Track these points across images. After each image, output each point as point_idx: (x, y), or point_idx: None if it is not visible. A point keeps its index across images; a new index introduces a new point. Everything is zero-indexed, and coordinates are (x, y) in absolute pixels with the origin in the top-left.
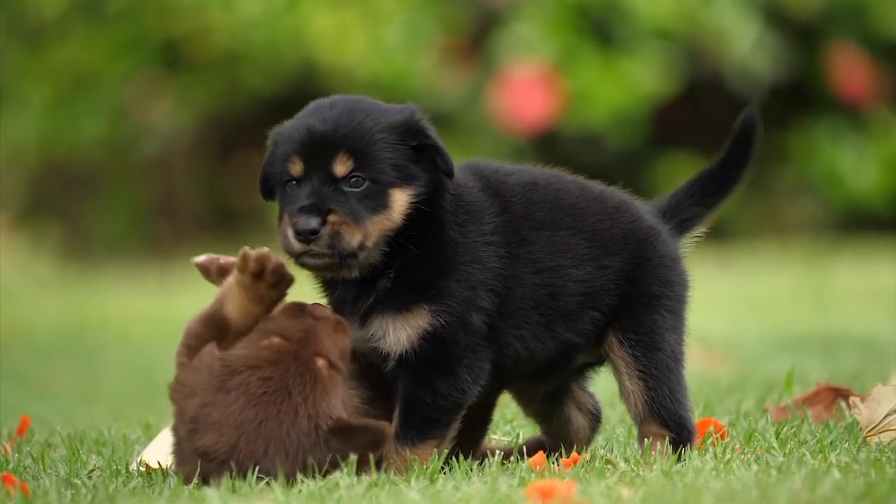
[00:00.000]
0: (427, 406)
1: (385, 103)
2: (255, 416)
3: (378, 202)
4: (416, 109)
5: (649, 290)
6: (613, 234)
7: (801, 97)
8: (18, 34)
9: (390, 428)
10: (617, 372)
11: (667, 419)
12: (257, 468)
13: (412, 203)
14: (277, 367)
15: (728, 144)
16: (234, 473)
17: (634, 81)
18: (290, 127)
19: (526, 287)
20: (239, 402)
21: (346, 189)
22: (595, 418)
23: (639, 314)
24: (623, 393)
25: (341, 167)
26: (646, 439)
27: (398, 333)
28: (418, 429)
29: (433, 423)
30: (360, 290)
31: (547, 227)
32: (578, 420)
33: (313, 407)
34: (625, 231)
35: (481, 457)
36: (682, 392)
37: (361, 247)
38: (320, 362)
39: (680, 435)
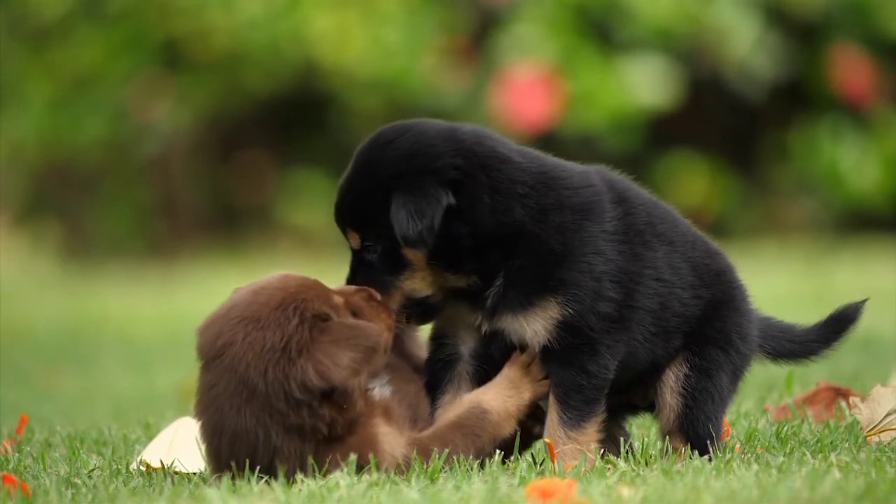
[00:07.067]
0: (584, 388)
1: (421, 136)
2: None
3: (397, 262)
4: (420, 169)
5: (726, 331)
6: (710, 270)
7: (801, 96)
8: (19, 34)
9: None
10: (662, 384)
11: (693, 439)
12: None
13: (432, 252)
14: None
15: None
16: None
17: (633, 89)
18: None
19: (648, 288)
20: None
21: (369, 258)
22: (623, 443)
23: (706, 344)
24: (659, 406)
25: (354, 242)
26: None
27: (533, 326)
28: (580, 410)
29: (594, 402)
30: (471, 302)
31: (666, 242)
32: (610, 448)
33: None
34: (719, 271)
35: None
36: (717, 427)
37: (410, 303)
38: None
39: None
